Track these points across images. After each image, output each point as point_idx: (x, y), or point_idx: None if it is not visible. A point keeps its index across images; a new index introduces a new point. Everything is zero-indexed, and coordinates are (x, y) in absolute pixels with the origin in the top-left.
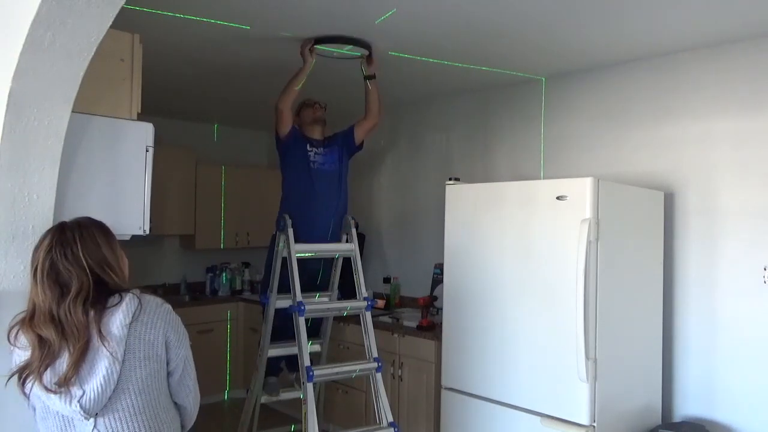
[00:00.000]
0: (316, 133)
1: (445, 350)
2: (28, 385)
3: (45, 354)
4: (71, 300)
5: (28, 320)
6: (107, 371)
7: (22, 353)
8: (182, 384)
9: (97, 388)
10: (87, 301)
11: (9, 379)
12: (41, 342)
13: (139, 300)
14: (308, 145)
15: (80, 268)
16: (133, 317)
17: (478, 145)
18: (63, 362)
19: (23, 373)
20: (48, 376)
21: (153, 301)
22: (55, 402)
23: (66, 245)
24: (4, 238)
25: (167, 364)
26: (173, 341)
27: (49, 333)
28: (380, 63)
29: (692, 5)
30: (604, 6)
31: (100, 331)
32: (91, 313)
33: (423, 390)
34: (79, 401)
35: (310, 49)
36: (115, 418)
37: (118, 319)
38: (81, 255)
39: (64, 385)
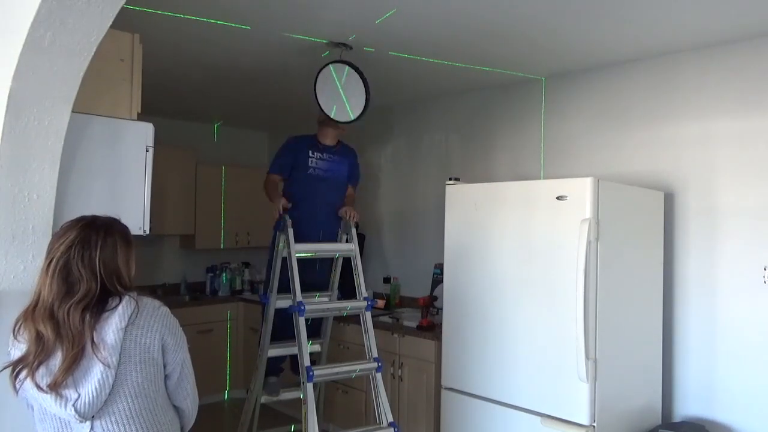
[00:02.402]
0: (329, 140)
1: (445, 350)
2: (21, 379)
3: (40, 350)
4: (74, 303)
5: (31, 311)
6: (102, 376)
7: (21, 347)
8: (180, 387)
9: (92, 392)
10: (87, 307)
11: (2, 369)
12: (38, 337)
13: (137, 303)
14: (310, 151)
15: (92, 273)
16: (129, 321)
17: (478, 145)
18: (56, 361)
19: (17, 366)
20: (41, 374)
21: (150, 304)
22: (51, 405)
23: (86, 247)
24: (4, 238)
25: (164, 367)
26: (170, 345)
27: (45, 330)
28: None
29: (692, 5)
30: (604, 6)
31: (93, 340)
32: (87, 316)
33: (423, 390)
34: (74, 405)
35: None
36: (111, 422)
37: (113, 324)
38: (97, 261)
39: (54, 389)
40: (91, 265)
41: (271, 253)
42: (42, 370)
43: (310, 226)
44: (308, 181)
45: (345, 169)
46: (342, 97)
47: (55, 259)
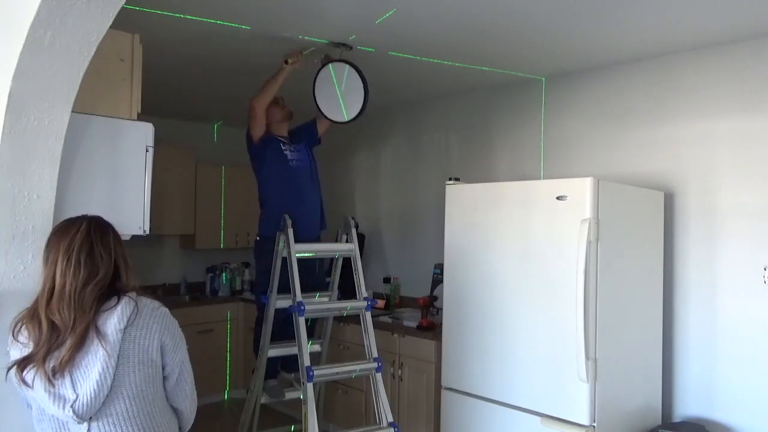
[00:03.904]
0: (283, 131)
1: (445, 350)
2: (29, 375)
3: (53, 341)
4: (95, 284)
5: (45, 305)
6: (101, 375)
7: (20, 348)
8: (178, 388)
9: (90, 392)
10: (101, 290)
11: (9, 369)
12: (52, 328)
13: (136, 303)
14: (281, 144)
15: (110, 257)
16: (128, 322)
17: (478, 145)
18: (63, 351)
19: (24, 364)
20: (50, 364)
21: (149, 305)
22: (49, 405)
23: (104, 233)
24: (4, 238)
25: (163, 368)
26: (169, 346)
27: (63, 316)
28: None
29: (692, 5)
30: (603, 6)
31: (97, 328)
32: (95, 304)
33: (423, 390)
34: (71, 406)
35: (291, 63)
36: (108, 423)
37: (112, 324)
38: (112, 245)
39: (60, 369)
40: (108, 250)
41: (259, 256)
42: (51, 361)
43: (305, 222)
44: (290, 175)
45: (306, 152)
46: (340, 97)
47: (77, 247)
